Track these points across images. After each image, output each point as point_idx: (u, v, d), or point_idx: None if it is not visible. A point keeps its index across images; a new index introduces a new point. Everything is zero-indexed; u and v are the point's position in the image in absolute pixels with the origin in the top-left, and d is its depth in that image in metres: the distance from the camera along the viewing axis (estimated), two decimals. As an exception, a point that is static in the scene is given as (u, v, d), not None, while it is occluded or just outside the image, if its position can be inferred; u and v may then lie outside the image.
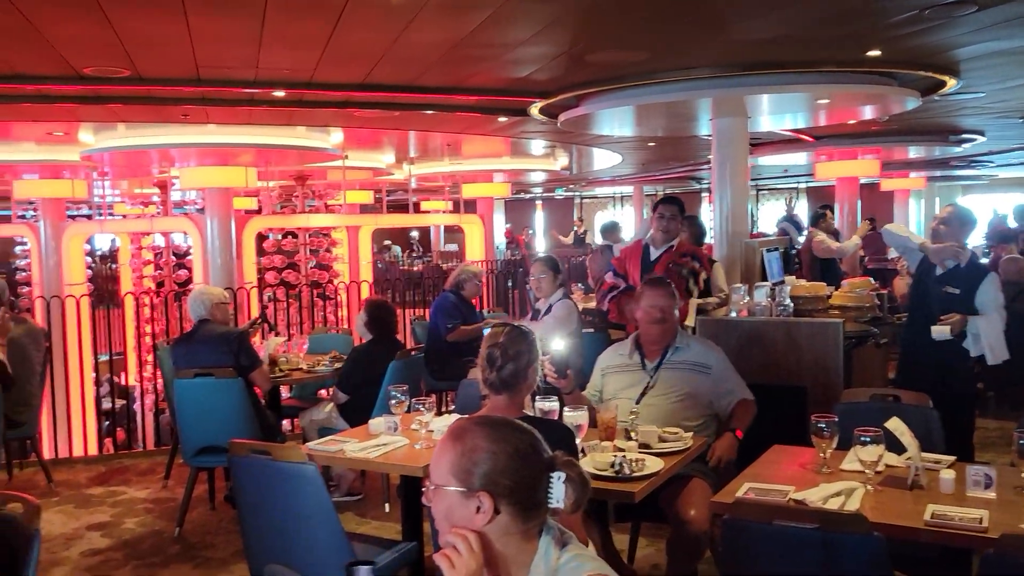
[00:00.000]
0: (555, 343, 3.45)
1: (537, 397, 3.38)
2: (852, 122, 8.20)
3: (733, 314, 4.96)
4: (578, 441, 2.98)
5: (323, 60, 5.03)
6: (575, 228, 21.35)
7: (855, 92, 6.07)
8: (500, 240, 17.92)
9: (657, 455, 3.17)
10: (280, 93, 5.83)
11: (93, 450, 7.36)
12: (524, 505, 1.60)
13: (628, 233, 13.56)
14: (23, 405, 5.56)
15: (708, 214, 21.01)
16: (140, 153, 8.00)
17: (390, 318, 5.44)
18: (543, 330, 3.87)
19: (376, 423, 3.79)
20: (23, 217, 10.88)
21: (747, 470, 3.04)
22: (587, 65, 5.45)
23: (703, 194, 21.03)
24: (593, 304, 7.62)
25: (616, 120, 7.40)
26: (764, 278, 5.57)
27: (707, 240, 6.76)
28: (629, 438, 3.34)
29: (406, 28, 4.37)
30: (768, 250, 5.63)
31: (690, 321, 4.83)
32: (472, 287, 6.71)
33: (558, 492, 1.62)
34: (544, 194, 24.80)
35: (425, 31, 4.47)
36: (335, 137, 8.27)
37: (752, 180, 15.08)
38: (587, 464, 2.96)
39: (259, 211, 11.86)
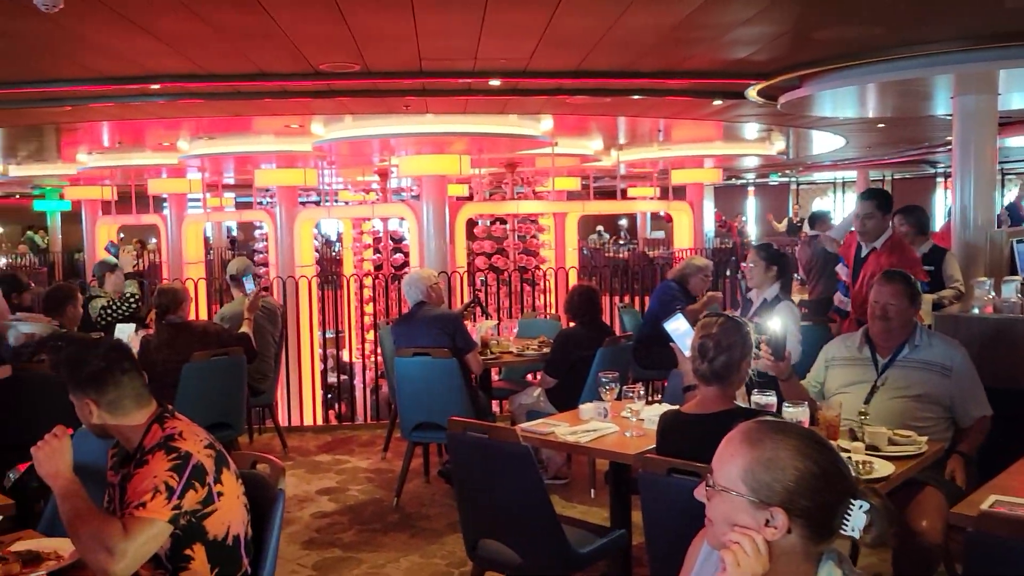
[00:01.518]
0: (773, 323, 3.31)
1: (754, 391, 3.26)
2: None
3: (975, 311, 4.52)
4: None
5: (539, 48, 5.09)
6: (790, 216, 20.38)
7: None
8: (709, 227, 17.47)
9: (887, 459, 2.96)
10: (496, 82, 5.98)
11: (319, 420, 7.95)
12: (816, 529, 1.50)
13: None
14: (262, 375, 6.10)
15: (943, 201, 19.38)
16: (364, 143, 8.50)
17: (596, 304, 5.45)
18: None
19: (586, 408, 3.81)
20: (262, 204, 11.93)
21: (992, 482, 2.76)
22: (813, 43, 5.15)
23: (938, 179, 19.38)
24: (807, 296, 7.23)
25: (842, 101, 6.95)
26: (1013, 272, 5.04)
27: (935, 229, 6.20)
28: (855, 438, 3.13)
29: (623, 13, 4.33)
30: (1018, 241, 5.08)
31: (927, 319, 4.44)
32: (698, 282, 6.41)
33: (857, 521, 1.49)
34: (757, 180, 23.86)
35: (642, 15, 4.40)
36: (545, 124, 8.38)
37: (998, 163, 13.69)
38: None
39: (470, 197, 12.27)
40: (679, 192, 12.95)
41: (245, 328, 5.45)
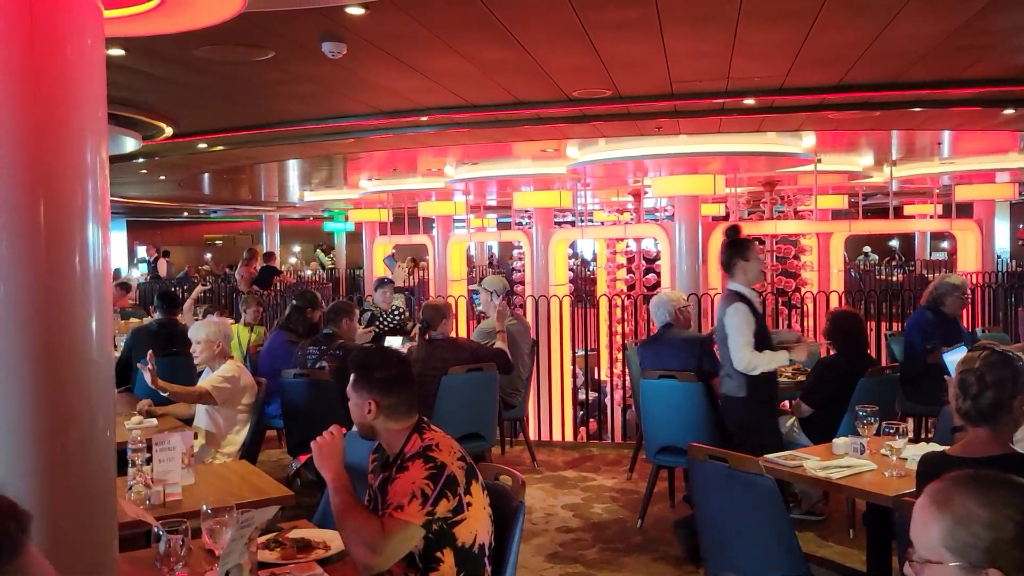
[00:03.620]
0: None
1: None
2: None
3: None
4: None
5: (795, 65, 4.92)
6: None
7: None
8: (1001, 248, 15.69)
9: None
10: (750, 101, 5.84)
11: (568, 436, 8.12)
12: None
13: None
14: (514, 390, 6.35)
15: None
16: (618, 165, 8.63)
17: (858, 331, 5.11)
18: None
19: (840, 443, 3.60)
20: (520, 224, 12.45)
21: None
22: None
23: None
24: None
25: None
26: None
27: None
28: None
29: (889, 23, 4.07)
30: None
31: None
32: (954, 302, 5.85)
33: None
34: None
35: (911, 24, 4.11)
36: (807, 141, 8.02)
37: None
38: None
39: (726, 217, 11.99)
40: (964, 209, 11.79)
41: (499, 343, 5.69)
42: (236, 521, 2.25)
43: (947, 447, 2.72)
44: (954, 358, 3.19)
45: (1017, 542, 1.34)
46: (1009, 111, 6.43)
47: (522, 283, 11.12)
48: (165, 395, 4.49)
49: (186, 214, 23.33)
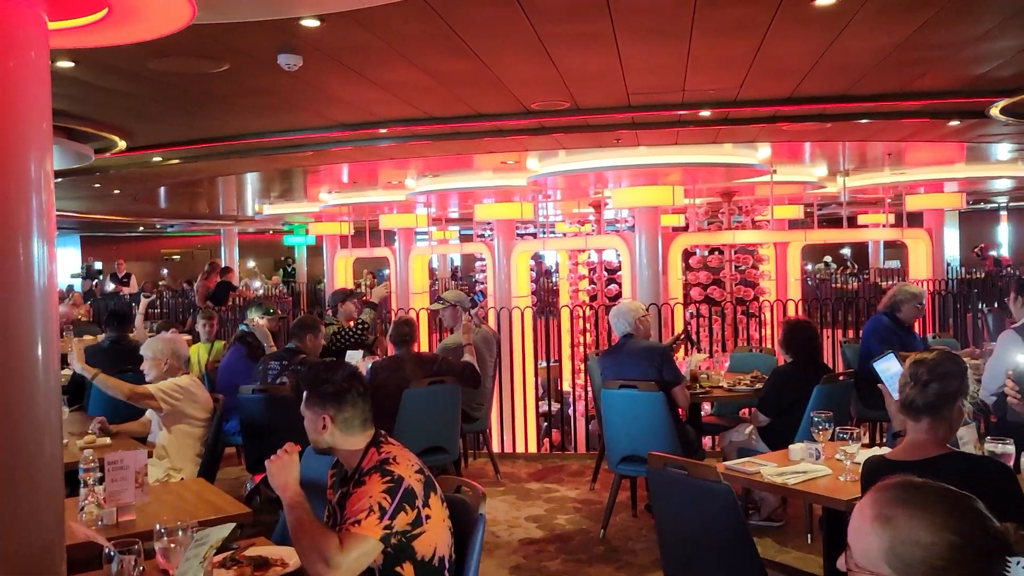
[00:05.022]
0: (1021, 357, 3.00)
1: (987, 439, 2.99)
2: None
3: None
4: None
5: (749, 77, 5.00)
6: None
7: None
8: (951, 256, 16.04)
9: None
10: (706, 113, 5.92)
11: (532, 448, 8.12)
12: None
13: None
14: (477, 403, 6.33)
15: None
16: (578, 176, 8.68)
17: (812, 340, 5.18)
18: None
19: (796, 449, 3.65)
20: (482, 236, 12.45)
21: None
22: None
23: None
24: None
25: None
26: None
27: None
28: None
29: (838, 36, 4.16)
30: None
31: None
32: (910, 309, 5.98)
33: None
34: (1012, 204, 21.63)
35: (859, 38, 4.21)
36: (762, 152, 8.14)
37: None
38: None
39: (686, 228, 12.13)
40: (915, 219, 12.06)
41: (467, 356, 5.68)
42: (191, 538, 2.21)
43: (888, 451, 2.77)
44: (883, 366, 3.25)
45: (956, 563, 1.35)
46: (955, 122, 6.60)
47: (485, 295, 11.10)
48: (89, 377, 4.50)
49: (142, 229, 22.96)
